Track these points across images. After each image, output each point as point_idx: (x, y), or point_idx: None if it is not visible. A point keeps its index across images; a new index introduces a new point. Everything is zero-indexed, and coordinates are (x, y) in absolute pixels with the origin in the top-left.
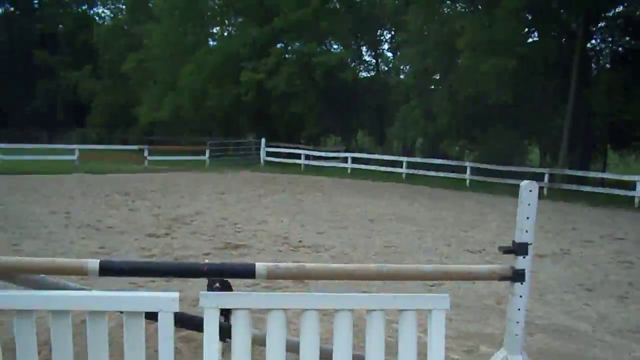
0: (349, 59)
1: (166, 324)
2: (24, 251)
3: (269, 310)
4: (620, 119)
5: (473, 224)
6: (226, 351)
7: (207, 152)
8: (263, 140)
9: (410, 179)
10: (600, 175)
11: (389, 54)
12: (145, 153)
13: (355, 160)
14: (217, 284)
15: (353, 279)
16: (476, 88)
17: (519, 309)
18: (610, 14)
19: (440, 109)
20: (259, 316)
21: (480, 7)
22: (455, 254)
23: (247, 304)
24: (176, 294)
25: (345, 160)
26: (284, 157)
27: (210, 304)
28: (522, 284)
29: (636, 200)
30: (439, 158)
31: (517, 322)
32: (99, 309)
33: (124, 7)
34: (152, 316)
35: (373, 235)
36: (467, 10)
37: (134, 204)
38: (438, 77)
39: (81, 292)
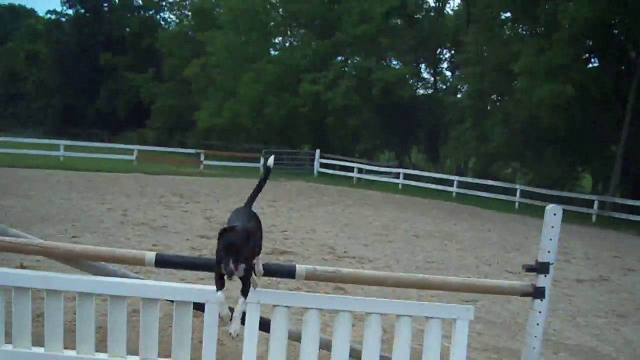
0: (407, 76)
1: (212, 314)
2: (83, 244)
3: (306, 309)
4: None
5: (517, 246)
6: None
7: (262, 160)
8: (317, 152)
9: (461, 198)
10: None
11: (448, 73)
12: (202, 157)
13: (407, 176)
14: None
15: (385, 285)
16: (531, 112)
17: (537, 324)
18: None
19: (494, 131)
20: (297, 317)
21: (539, 30)
22: (495, 274)
23: (286, 301)
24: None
25: (397, 175)
26: (337, 170)
27: (252, 299)
28: (541, 300)
29: None
30: (490, 179)
31: (535, 336)
32: (152, 297)
33: (189, 13)
34: (199, 307)
35: (417, 251)
36: (527, 33)
37: (187, 205)
38: (494, 99)
39: (137, 280)
